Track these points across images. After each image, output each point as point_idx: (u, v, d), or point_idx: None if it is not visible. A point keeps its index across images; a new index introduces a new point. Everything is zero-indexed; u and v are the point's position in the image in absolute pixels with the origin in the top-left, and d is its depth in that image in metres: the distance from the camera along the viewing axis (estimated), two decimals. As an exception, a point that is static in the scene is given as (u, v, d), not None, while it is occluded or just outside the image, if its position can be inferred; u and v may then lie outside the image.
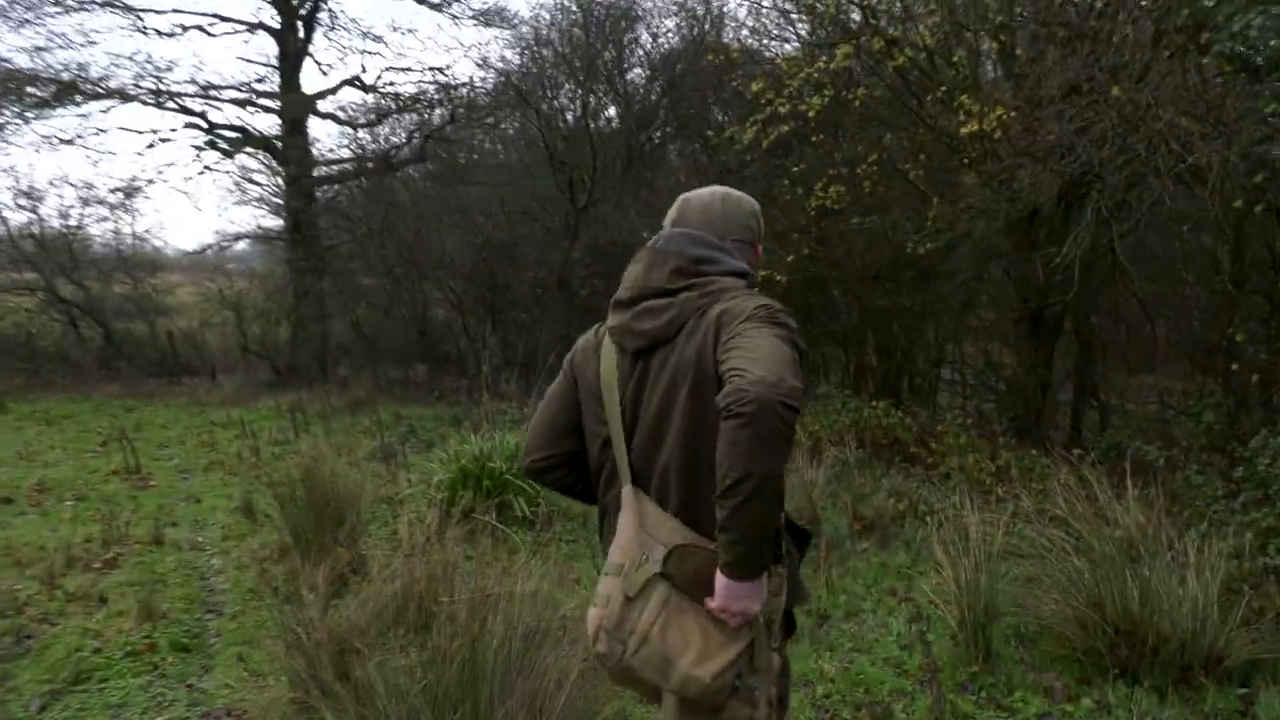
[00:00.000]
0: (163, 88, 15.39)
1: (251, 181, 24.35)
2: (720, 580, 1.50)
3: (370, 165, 16.72)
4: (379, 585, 3.77)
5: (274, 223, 19.07)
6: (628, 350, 1.70)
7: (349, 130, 17.08)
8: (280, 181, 17.14)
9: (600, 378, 1.73)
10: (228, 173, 23.15)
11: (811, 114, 9.99)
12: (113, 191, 16.54)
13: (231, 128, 16.24)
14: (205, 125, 15.79)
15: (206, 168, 16.49)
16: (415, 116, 17.29)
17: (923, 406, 10.88)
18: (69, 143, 15.27)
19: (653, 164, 14.67)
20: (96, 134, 15.41)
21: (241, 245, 22.53)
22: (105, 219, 32.89)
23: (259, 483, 6.46)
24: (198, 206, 32.35)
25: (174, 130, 16.14)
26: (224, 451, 8.42)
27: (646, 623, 1.53)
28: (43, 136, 21.06)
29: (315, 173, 17.09)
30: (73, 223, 17.51)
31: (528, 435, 1.90)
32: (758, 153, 11.69)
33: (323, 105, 17.38)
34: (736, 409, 1.37)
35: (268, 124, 17.38)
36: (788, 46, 12.66)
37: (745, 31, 13.84)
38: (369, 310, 16.21)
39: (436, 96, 16.68)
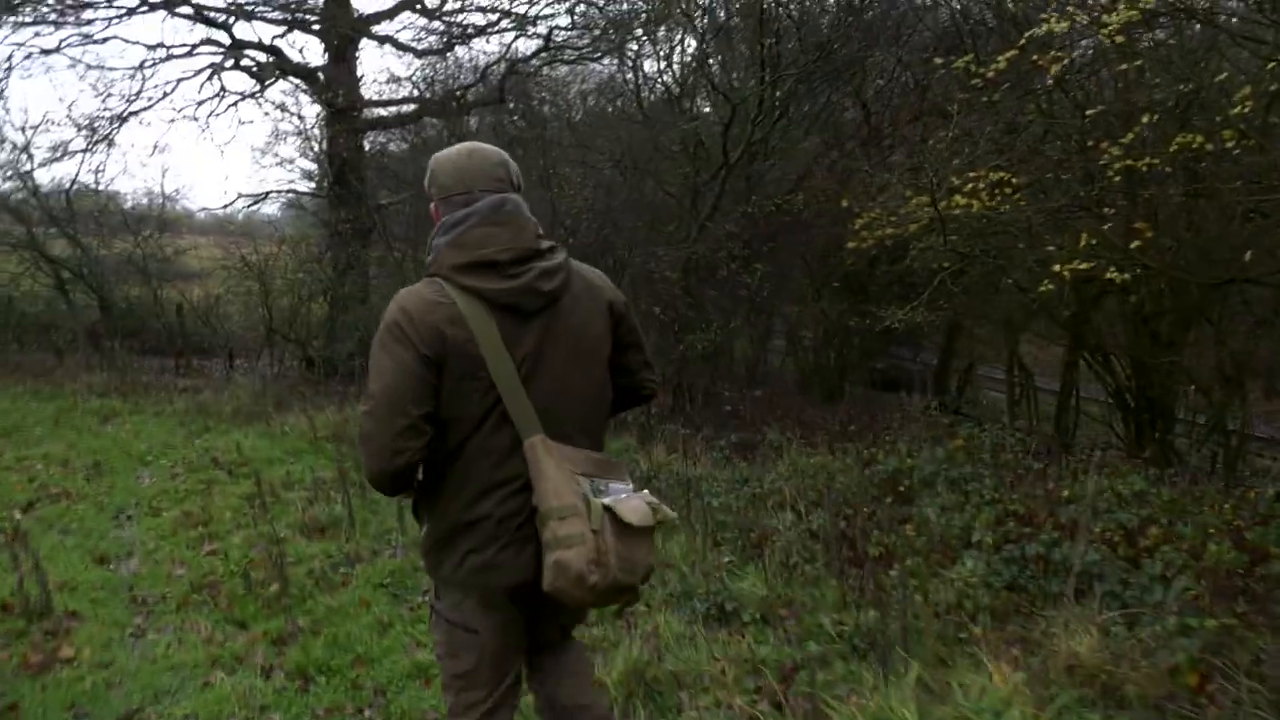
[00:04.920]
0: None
1: (285, 112, 20.60)
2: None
3: (435, 106, 13.09)
4: None
5: (309, 185, 15.59)
6: (525, 309, 1.80)
7: (409, 59, 13.48)
8: (319, 124, 13.61)
9: (478, 342, 1.76)
10: (257, 100, 19.10)
11: (1113, 29, 6.34)
12: (91, 120, 12.80)
13: (263, 48, 12.70)
14: (229, 41, 12.24)
15: (224, 90, 12.76)
16: (491, 46, 13.76)
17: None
18: (52, 52, 11.72)
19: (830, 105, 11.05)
20: (84, 43, 11.46)
21: (274, 208, 18.88)
22: (124, 172, 29.40)
23: (291, 690, 2.93)
24: (213, 142, 27.98)
25: (195, 48, 12.42)
26: (223, 541, 4.85)
27: (614, 543, 1.75)
28: (17, 45, 13.57)
29: (365, 114, 13.53)
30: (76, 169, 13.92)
31: (387, 429, 1.75)
32: (1002, 87, 7.99)
33: (376, 30, 13.82)
34: (647, 392, 2.11)
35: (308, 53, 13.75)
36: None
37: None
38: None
39: (512, 25, 13.02)
